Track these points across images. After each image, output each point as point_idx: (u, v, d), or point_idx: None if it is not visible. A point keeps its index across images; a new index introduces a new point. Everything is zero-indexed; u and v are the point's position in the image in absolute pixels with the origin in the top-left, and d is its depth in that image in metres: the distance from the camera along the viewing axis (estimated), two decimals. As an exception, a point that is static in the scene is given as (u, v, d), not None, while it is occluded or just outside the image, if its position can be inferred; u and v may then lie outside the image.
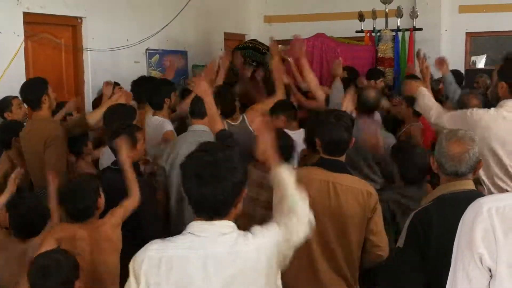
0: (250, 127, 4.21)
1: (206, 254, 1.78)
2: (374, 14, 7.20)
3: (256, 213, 3.13)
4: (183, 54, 7.44)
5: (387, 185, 3.55)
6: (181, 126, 4.74)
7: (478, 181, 2.85)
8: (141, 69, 6.61)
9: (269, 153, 2.15)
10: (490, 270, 1.63)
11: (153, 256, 1.82)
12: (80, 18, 5.80)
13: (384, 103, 5.29)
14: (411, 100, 5.00)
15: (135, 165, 3.51)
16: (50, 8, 5.36)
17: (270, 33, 8.97)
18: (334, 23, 8.16)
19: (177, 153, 3.72)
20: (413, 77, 6.76)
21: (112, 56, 6.06)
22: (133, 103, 4.64)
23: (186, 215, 3.70)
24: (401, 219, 3.02)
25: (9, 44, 4.94)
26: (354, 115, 3.84)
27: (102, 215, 3.02)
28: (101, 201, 3.02)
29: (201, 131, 3.72)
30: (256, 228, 1.88)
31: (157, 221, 3.44)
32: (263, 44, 7.30)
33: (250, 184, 2.24)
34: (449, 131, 2.42)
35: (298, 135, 3.85)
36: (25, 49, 5.16)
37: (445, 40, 8.14)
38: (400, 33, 7.21)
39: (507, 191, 3.04)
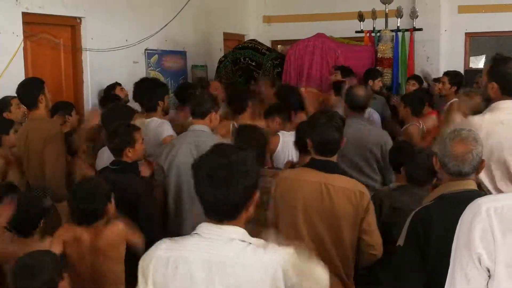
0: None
1: (211, 258, 1.76)
2: (374, 14, 7.20)
3: (261, 217, 3.14)
4: (182, 54, 7.44)
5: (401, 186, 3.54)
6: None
7: (478, 186, 2.84)
8: (140, 69, 6.61)
9: None
10: (488, 270, 1.64)
11: (162, 255, 1.82)
12: (79, 18, 5.80)
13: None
14: (409, 101, 5.02)
15: (134, 165, 3.52)
16: (49, 8, 5.35)
17: (269, 33, 9.03)
18: (334, 23, 8.16)
19: (176, 153, 3.72)
20: (415, 77, 6.79)
21: (111, 56, 6.05)
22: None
23: (183, 214, 3.71)
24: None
25: (8, 44, 4.93)
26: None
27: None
28: (111, 206, 3.01)
29: (201, 131, 3.72)
30: (272, 244, 1.84)
31: (155, 221, 3.44)
32: (262, 44, 7.31)
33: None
34: (452, 131, 2.42)
35: (293, 137, 3.86)
36: (24, 49, 5.15)
37: (445, 41, 8.15)
38: (400, 34, 7.21)
39: None
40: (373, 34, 7.29)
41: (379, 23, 7.26)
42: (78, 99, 5.86)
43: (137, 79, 5.20)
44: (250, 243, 1.79)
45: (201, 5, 7.66)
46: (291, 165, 3.82)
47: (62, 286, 2.44)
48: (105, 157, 3.87)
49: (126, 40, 6.28)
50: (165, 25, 6.79)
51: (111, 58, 6.06)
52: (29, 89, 4.05)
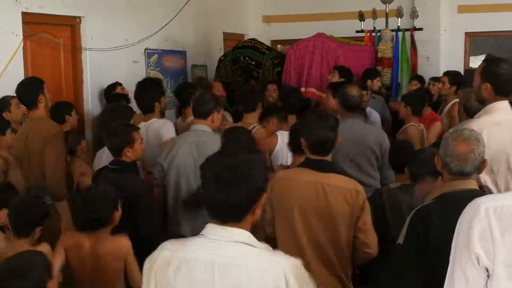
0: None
1: (214, 259, 1.76)
2: (374, 14, 7.19)
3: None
4: (182, 54, 7.44)
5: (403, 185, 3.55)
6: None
7: (480, 188, 2.84)
8: (139, 69, 6.61)
9: None
10: (487, 270, 1.64)
11: (166, 256, 1.82)
12: (79, 18, 5.79)
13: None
14: (409, 100, 5.02)
15: (133, 165, 3.52)
16: (49, 8, 5.34)
17: (269, 33, 9.03)
18: (334, 23, 8.15)
19: (176, 152, 3.73)
20: (418, 78, 6.80)
21: (111, 56, 6.04)
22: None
23: (181, 212, 3.71)
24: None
25: (8, 44, 4.93)
26: None
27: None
28: (117, 215, 3.01)
29: (202, 131, 3.72)
30: (279, 251, 1.83)
31: (154, 220, 3.44)
32: (262, 44, 7.30)
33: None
34: (454, 131, 2.43)
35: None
36: (24, 49, 5.14)
37: (444, 40, 8.15)
38: (400, 33, 7.21)
39: None
40: (373, 34, 7.28)
41: (380, 23, 7.26)
42: (78, 99, 5.85)
43: (137, 78, 5.22)
44: (255, 247, 1.78)
45: (201, 5, 7.66)
46: (283, 169, 3.84)
47: (50, 286, 2.45)
48: (104, 158, 3.87)
49: (126, 39, 6.28)
50: (165, 25, 6.78)
51: (111, 58, 6.06)
52: (29, 89, 4.04)
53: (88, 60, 5.86)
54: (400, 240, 2.42)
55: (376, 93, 6.33)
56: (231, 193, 1.75)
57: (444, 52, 8.14)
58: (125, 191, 3.21)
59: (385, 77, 7.03)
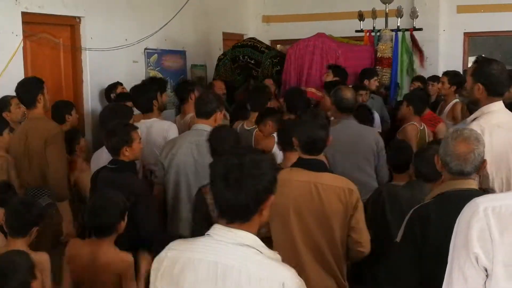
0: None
1: (218, 260, 1.76)
2: (374, 14, 7.20)
3: None
4: (182, 53, 7.44)
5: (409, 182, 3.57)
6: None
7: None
8: (139, 69, 6.61)
9: None
10: (486, 270, 1.64)
11: (172, 256, 1.83)
12: (79, 17, 5.79)
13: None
14: (412, 100, 5.02)
15: (132, 164, 3.53)
16: (49, 8, 5.34)
17: (268, 33, 9.03)
18: (333, 23, 8.15)
19: (176, 151, 3.73)
20: (420, 78, 6.80)
21: (111, 55, 6.04)
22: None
23: (181, 211, 3.72)
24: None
25: (8, 44, 4.92)
26: None
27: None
28: (123, 224, 3.02)
29: (203, 131, 3.72)
30: (283, 264, 1.82)
31: (154, 220, 3.45)
32: (261, 43, 7.29)
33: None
34: (454, 131, 2.43)
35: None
36: (24, 49, 5.13)
37: (443, 40, 8.15)
38: (400, 33, 7.21)
39: None
40: (373, 34, 7.28)
41: (379, 23, 7.26)
42: (78, 99, 5.84)
43: (136, 78, 5.26)
44: (260, 252, 1.78)
45: (201, 5, 7.66)
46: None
47: (35, 286, 2.46)
48: (103, 158, 3.87)
49: (126, 39, 6.27)
50: (165, 25, 6.78)
51: (111, 58, 6.05)
52: (28, 88, 4.05)
53: (88, 60, 5.86)
54: (398, 238, 2.43)
55: (375, 93, 6.33)
56: (239, 192, 1.75)
57: (443, 52, 8.14)
58: (124, 191, 3.22)
59: (385, 77, 7.04)
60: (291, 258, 2.54)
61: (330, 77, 5.69)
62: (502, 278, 1.62)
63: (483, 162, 2.39)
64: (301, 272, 2.73)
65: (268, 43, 8.37)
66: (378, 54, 7.10)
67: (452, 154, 2.35)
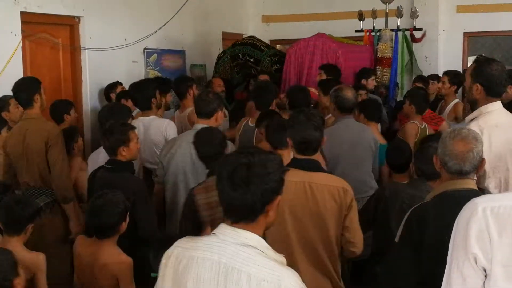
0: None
1: (221, 259, 1.76)
2: (374, 14, 7.20)
3: None
4: (181, 53, 7.44)
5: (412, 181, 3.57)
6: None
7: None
8: (139, 69, 6.61)
9: None
10: (485, 270, 1.64)
11: (177, 253, 1.84)
12: (78, 17, 5.79)
13: None
14: (414, 99, 5.01)
15: (129, 164, 3.53)
16: (48, 7, 5.34)
17: (268, 32, 9.03)
18: (333, 23, 8.16)
19: (175, 151, 3.74)
20: (421, 78, 6.80)
21: (110, 55, 6.05)
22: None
23: (179, 211, 3.71)
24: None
25: (7, 44, 4.92)
26: None
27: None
28: (124, 225, 3.02)
29: (203, 131, 3.72)
30: (287, 267, 1.80)
31: (152, 219, 3.45)
32: (261, 41, 7.29)
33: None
34: (452, 130, 2.43)
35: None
36: (23, 48, 5.13)
37: (443, 40, 8.15)
38: (400, 33, 7.21)
39: None
40: (373, 34, 7.28)
41: (379, 23, 7.26)
42: (77, 99, 5.85)
43: (136, 78, 5.26)
44: (264, 253, 1.77)
45: (200, 5, 7.66)
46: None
47: (17, 283, 2.46)
48: (101, 158, 3.87)
49: (125, 39, 6.27)
50: (164, 25, 6.79)
51: (110, 58, 6.06)
52: (25, 88, 4.04)
53: (87, 59, 5.86)
54: (396, 238, 2.43)
55: (373, 92, 6.33)
56: (245, 192, 1.74)
57: (442, 52, 8.14)
58: (121, 191, 3.21)
59: (385, 77, 7.03)
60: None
61: (323, 77, 5.71)
62: (501, 278, 1.62)
63: (482, 161, 2.38)
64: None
65: (267, 43, 8.37)
66: (378, 54, 7.09)
67: (451, 154, 2.34)
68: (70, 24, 5.77)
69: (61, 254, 3.95)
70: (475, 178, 2.49)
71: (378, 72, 6.97)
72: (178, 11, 6.92)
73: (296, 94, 4.78)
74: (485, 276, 1.65)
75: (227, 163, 1.81)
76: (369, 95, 6.03)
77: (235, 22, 8.84)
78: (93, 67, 5.90)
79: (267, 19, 9.24)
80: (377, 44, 7.13)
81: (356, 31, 7.42)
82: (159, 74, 6.85)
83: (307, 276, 2.73)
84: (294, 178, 2.79)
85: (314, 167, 2.86)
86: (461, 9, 8.08)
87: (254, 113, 4.59)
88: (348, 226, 2.81)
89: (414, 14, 7.26)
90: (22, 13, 5.07)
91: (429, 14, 7.89)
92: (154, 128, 4.42)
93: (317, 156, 3.41)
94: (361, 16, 7.31)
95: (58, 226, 4.05)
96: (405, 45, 7.37)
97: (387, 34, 7.08)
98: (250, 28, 9.11)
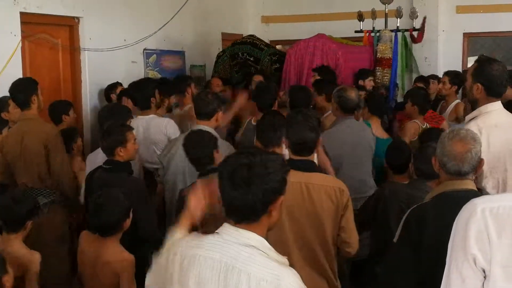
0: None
1: (222, 258, 1.77)
2: (373, 14, 7.19)
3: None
4: (181, 54, 7.44)
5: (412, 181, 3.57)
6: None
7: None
8: (138, 69, 6.61)
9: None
10: (484, 271, 1.64)
11: (181, 251, 1.86)
12: (77, 18, 5.79)
13: None
14: (416, 99, 5.02)
15: (126, 164, 3.53)
16: (47, 8, 5.34)
17: (267, 33, 9.02)
18: (333, 23, 8.16)
19: (175, 151, 3.74)
20: (421, 78, 6.79)
21: (110, 56, 6.04)
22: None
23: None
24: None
25: (6, 44, 4.92)
26: None
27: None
28: (128, 221, 3.02)
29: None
30: (288, 268, 1.80)
31: (151, 219, 3.45)
32: (261, 40, 7.28)
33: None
34: (450, 131, 2.43)
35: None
36: (22, 49, 5.13)
37: (443, 41, 8.15)
38: (399, 34, 7.21)
39: None
40: (372, 34, 7.28)
41: (379, 23, 7.26)
42: (77, 99, 5.84)
43: (135, 79, 5.25)
44: (265, 254, 1.77)
45: (200, 5, 7.66)
46: None
47: (5, 280, 2.47)
48: (99, 158, 3.87)
49: (125, 40, 6.27)
50: (164, 25, 6.78)
51: (110, 58, 6.05)
52: (22, 89, 4.05)
53: (86, 60, 5.86)
54: (395, 239, 2.43)
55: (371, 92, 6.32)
56: (246, 192, 1.75)
57: (442, 53, 8.14)
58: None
59: (385, 77, 7.03)
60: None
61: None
62: (500, 279, 1.62)
63: (480, 161, 2.38)
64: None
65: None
66: (378, 54, 7.08)
67: (449, 155, 2.34)
68: (70, 24, 5.76)
69: (60, 254, 3.96)
70: (474, 178, 2.48)
71: (378, 73, 6.97)
72: (177, 12, 6.92)
73: (297, 94, 4.78)
74: (484, 277, 1.65)
75: (228, 164, 1.81)
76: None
77: (235, 22, 8.83)
78: (92, 67, 5.90)
79: (266, 19, 9.24)
80: (377, 44, 7.12)
81: (356, 31, 7.41)
82: (159, 75, 6.85)
83: (303, 276, 2.72)
84: (291, 178, 2.78)
85: (310, 167, 2.86)
86: (460, 9, 8.07)
87: (257, 113, 4.60)
88: (344, 226, 2.82)
89: (413, 15, 7.26)
90: (21, 13, 5.07)
91: (429, 14, 7.89)
92: (154, 127, 4.43)
93: (322, 157, 3.43)
94: (360, 16, 7.31)
95: (57, 226, 4.05)
96: (407, 45, 7.37)
97: (386, 34, 7.08)
98: (249, 29, 9.10)
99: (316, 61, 6.38)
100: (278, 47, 8.84)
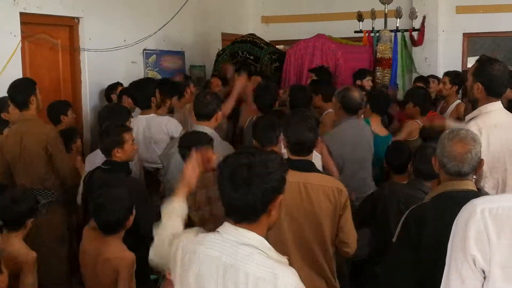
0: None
1: (221, 258, 1.77)
2: (373, 15, 7.20)
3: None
4: (181, 54, 7.44)
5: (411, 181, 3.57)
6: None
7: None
8: (138, 70, 6.61)
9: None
10: (483, 272, 1.64)
11: (184, 247, 1.87)
12: (77, 18, 5.79)
13: None
14: (418, 100, 5.01)
15: (125, 165, 3.53)
16: (47, 8, 5.34)
17: (267, 33, 9.02)
18: (332, 23, 8.16)
19: (174, 151, 3.73)
20: (422, 79, 6.79)
21: (109, 56, 6.04)
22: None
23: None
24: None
25: (6, 45, 4.92)
26: None
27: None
28: (131, 220, 3.03)
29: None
30: (287, 267, 1.80)
31: (152, 219, 3.43)
32: (261, 39, 7.29)
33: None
34: (450, 131, 2.43)
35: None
36: (22, 49, 5.13)
37: (443, 41, 8.14)
38: (399, 34, 7.21)
39: None
40: (372, 34, 7.28)
41: (378, 23, 7.26)
42: (76, 99, 5.85)
43: (135, 79, 5.25)
44: (265, 253, 1.77)
45: (200, 6, 7.66)
46: None
47: (1, 281, 2.48)
48: (98, 158, 3.87)
49: (124, 40, 6.27)
50: (163, 25, 6.78)
51: (109, 58, 6.05)
52: (21, 90, 4.04)
53: (86, 60, 5.86)
54: (394, 239, 2.43)
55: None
56: (246, 192, 1.75)
57: (442, 53, 8.14)
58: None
59: (386, 78, 7.02)
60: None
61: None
62: (500, 279, 1.61)
63: (480, 162, 2.38)
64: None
65: (267, 43, 8.38)
66: (378, 55, 7.08)
67: (449, 155, 2.34)
68: (70, 25, 5.76)
69: (60, 254, 3.96)
70: (474, 178, 2.48)
71: (378, 73, 6.97)
72: (177, 12, 6.92)
73: (297, 93, 4.79)
74: (484, 278, 1.64)
75: (228, 164, 1.82)
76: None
77: (235, 22, 8.83)
78: (92, 68, 5.90)
79: (266, 19, 9.24)
80: (376, 45, 7.13)
81: (355, 32, 7.41)
82: (159, 75, 6.85)
83: (302, 276, 2.72)
84: (289, 178, 2.78)
85: (309, 167, 2.87)
86: (460, 9, 8.07)
87: (258, 113, 4.61)
88: (343, 226, 2.82)
89: (413, 15, 7.26)
90: (21, 13, 5.07)
91: (429, 14, 7.89)
92: (155, 126, 4.44)
93: (326, 158, 3.43)
94: (360, 16, 7.31)
95: (56, 226, 4.05)
96: (406, 45, 7.37)
97: (386, 35, 7.08)
98: (249, 29, 9.09)
99: (316, 61, 6.39)
100: (280, 47, 8.86)
